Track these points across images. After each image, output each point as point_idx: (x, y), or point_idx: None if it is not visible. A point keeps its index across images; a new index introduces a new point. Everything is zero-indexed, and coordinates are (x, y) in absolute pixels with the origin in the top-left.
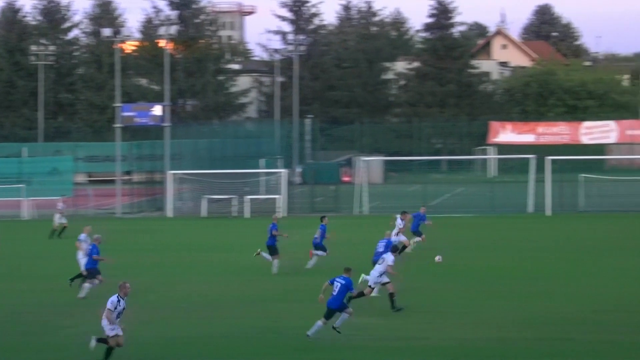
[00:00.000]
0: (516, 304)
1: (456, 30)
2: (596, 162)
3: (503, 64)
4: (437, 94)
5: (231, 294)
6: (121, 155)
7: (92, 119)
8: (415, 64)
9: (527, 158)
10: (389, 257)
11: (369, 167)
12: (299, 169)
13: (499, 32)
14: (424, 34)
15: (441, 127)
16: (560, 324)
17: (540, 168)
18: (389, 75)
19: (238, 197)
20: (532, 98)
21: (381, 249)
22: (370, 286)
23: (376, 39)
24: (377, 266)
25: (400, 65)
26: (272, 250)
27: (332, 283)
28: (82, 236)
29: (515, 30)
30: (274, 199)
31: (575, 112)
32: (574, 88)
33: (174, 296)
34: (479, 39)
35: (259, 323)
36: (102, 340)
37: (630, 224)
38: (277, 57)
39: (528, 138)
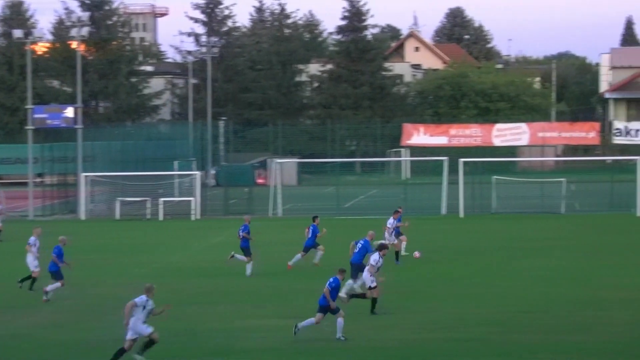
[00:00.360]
0: (430, 306)
1: (369, 33)
2: (508, 164)
3: (416, 67)
4: (351, 96)
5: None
6: (33, 157)
7: (3, 121)
8: (329, 66)
9: (440, 160)
10: (373, 257)
11: (282, 169)
12: (212, 171)
13: (411, 35)
14: (337, 37)
15: (355, 129)
16: (479, 324)
17: (453, 170)
18: (303, 78)
19: (152, 200)
20: (445, 100)
21: (358, 250)
22: (370, 287)
23: (290, 41)
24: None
25: (314, 68)
26: (246, 252)
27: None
28: (32, 239)
29: (427, 33)
30: (188, 201)
31: (488, 115)
32: (486, 90)
33: (86, 299)
34: (391, 41)
35: (174, 325)
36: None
37: (541, 225)
38: (191, 59)
39: (441, 140)
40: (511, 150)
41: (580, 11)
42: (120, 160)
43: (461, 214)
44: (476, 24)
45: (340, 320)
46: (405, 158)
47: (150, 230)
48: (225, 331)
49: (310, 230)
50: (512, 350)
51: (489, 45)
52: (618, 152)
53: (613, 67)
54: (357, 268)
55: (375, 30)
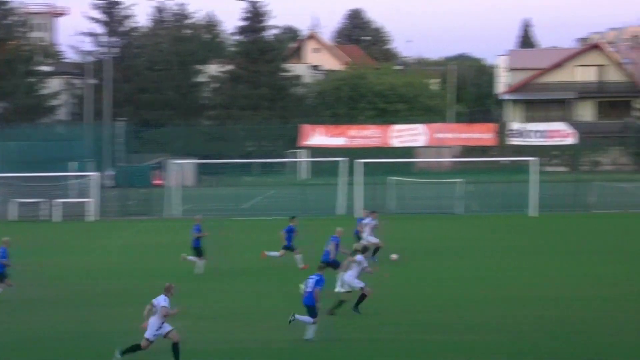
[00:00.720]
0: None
1: (269, 34)
2: (406, 165)
3: (315, 68)
4: (250, 97)
5: (40, 297)
6: None
7: None
8: (229, 67)
9: (338, 161)
10: (358, 259)
11: (181, 170)
12: (111, 172)
13: (311, 36)
14: (237, 37)
15: (254, 130)
16: (383, 324)
17: (352, 170)
18: (203, 78)
19: (48, 201)
20: (344, 101)
21: (329, 247)
22: (362, 288)
23: (189, 41)
24: (350, 271)
25: (214, 68)
26: (198, 251)
27: (308, 280)
28: None
29: (327, 34)
30: (85, 202)
31: (386, 116)
32: (384, 92)
33: None
34: (291, 42)
35: (75, 327)
36: (130, 349)
37: (439, 226)
38: (89, 59)
39: (339, 141)
40: (409, 151)
41: (478, 14)
42: (16, 161)
43: (358, 215)
44: (375, 25)
45: (309, 320)
46: (303, 159)
47: (45, 231)
48: (121, 333)
49: (286, 233)
50: (422, 350)
51: (388, 47)
52: (514, 153)
53: (510, 69)
54: (329, 265)
55: (276, 31)
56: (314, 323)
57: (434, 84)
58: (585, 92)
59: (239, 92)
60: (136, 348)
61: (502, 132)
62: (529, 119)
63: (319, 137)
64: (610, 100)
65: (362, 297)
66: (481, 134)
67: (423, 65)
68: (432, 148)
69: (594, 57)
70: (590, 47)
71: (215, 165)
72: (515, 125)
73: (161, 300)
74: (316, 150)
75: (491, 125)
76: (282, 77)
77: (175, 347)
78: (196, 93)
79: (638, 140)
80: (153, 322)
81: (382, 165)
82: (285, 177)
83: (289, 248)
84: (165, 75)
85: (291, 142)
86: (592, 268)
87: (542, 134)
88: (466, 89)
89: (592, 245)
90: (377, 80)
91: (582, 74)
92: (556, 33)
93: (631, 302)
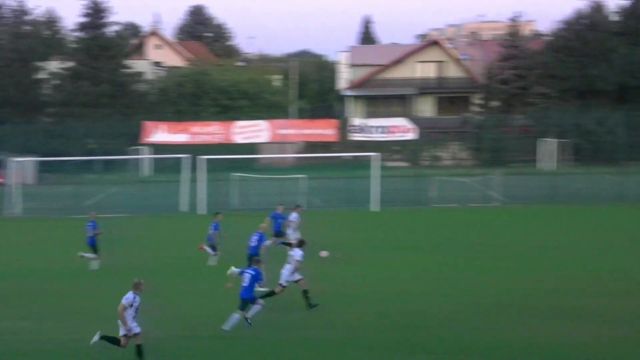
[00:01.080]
0: (175, 303)
1: (110, 30)
2: (249, 161)
3: (157, 64)
4: (91, 94)
5: None
6: None
7: None
8: (70, 64)
9: (181, 157)
10: (297, 253)
11: (21, 168)
12: None
13: (153, 33)
14: (78, 34)
15: (95, 127)
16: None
17: (195, 167)
18: (43, 75)
19: None
20: (187, 98)
21: (254, 243)
22: (281, 284)
23: (29, 38)
24: (287, 265)
25: (54, 65)
26: (93, 249)
27: (241, 274)
28: None
29: (169, 31)
30: None
31: (229, 112)
32: (227, 88)
33: None
34: (133, 39)
35: None
36: (109, 338)
37: None
38: None
39: (182, 138)
40: (252, 148)
41: (320, 11)
42: None
43: (202, 212)
44: (218, 22)
45: (237, 317)
46: (145, 156)
47: None
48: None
49: (212, 228)
50: (256, 349)
51: (231, 43)
52: (355, 149)
53: (351, 65)
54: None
55: (117, 28)
56: (261, 306)
57: (277, 80)
58: (425, 88)
59: (80, 89)
60: (115, 343)
61: (344, 128)
62: (371, 115)
63: (161, 134)
64: (450, 95)
65: (304, 292)
66: (323, 130)
67: (265, 62)
68: (275, 144)
69: (434, 54)
70: (429, 43)
71: (56, 163)
72: (357, 121)
73: (125, 297)
74: (159, 147)
75: (333, 122)
76: (124, 73)
77: (138, 348)
78: (36, 90)
79: (476, 135)
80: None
81: (225, 162)
82: (127, 174)
83: (211, 244)
84: (5, 72)
85: (133, 139)
86: (430, 261)
87: (383, 129)
88: (308, 85)
89: (431, 239)
90: (219, 76)
91: (422, 70)
92: (396, 30)
93: (465, 296)
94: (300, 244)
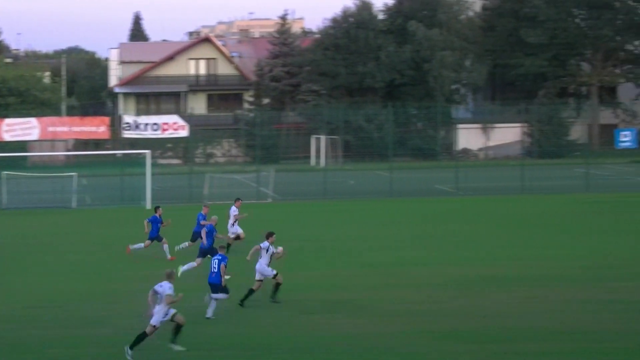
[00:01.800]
0: None
1: None
2: (19, 159)
3: None
4: None
5: None
6: None
7: None
8: None
9: None
10: (263, 246)
11: None
12: None
13: None
14: None
15: None
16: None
17: None
18: None
19: None
20: None
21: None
22: (258, 280)
23: None
24: (261, 259)
25: None
26: None
27: (213, 261)
28: None
29: None
30: None
31: None
32: None
33: None
34: None
35: None
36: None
37: (53, 220)
38: None
39: None
40: (22, 146)
41: (90, 7)
42: None
43: None
44: None
45: (211, 298)
46: None
47: None
48: None
49: (151, 222)
50: (29, 346)
51: None
52: (128, 146)
53: (122, 62)
54: (206, 252)
55: None
56: (227, 295)
57: (46, 77)
58: (196, 85)
59: None
60: (142, 337)
61: (115, 125)
62: (142, 112)
63: None
64: (221, 93)
65: (277, 285)
66: (94, 127)
67: (34, 59)
68: (48, 142)
69: (205, 51)
70: (200, 40)
71: None
72: (129, 119)
73: (166, 288)
74: None
75: (104, 119)
76: None
77: (178, 328)
78: None
79: (249, 132)
80: (159, 309)
81: None
82: None
83: (155, 238)
84: None
85: None
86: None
87: (156, 126)
88: (79, 82)
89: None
90: None
91: (194, 67)
92: (167, 27)
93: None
94: (268, 235)
